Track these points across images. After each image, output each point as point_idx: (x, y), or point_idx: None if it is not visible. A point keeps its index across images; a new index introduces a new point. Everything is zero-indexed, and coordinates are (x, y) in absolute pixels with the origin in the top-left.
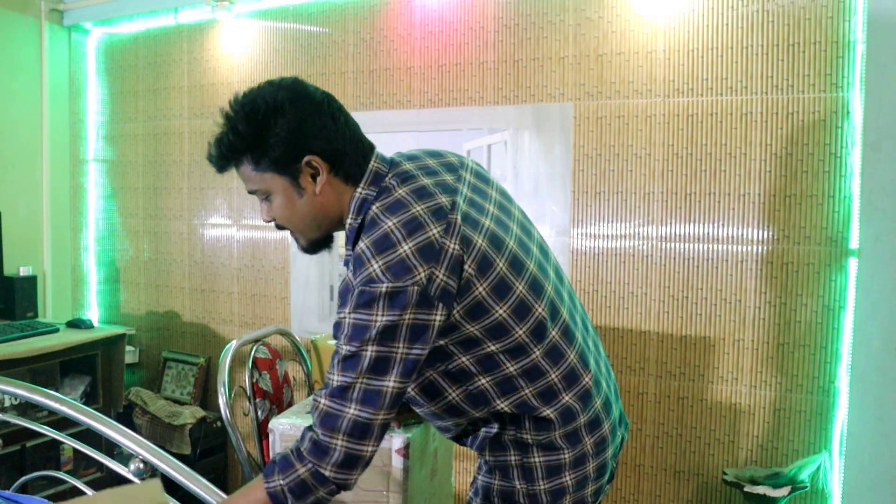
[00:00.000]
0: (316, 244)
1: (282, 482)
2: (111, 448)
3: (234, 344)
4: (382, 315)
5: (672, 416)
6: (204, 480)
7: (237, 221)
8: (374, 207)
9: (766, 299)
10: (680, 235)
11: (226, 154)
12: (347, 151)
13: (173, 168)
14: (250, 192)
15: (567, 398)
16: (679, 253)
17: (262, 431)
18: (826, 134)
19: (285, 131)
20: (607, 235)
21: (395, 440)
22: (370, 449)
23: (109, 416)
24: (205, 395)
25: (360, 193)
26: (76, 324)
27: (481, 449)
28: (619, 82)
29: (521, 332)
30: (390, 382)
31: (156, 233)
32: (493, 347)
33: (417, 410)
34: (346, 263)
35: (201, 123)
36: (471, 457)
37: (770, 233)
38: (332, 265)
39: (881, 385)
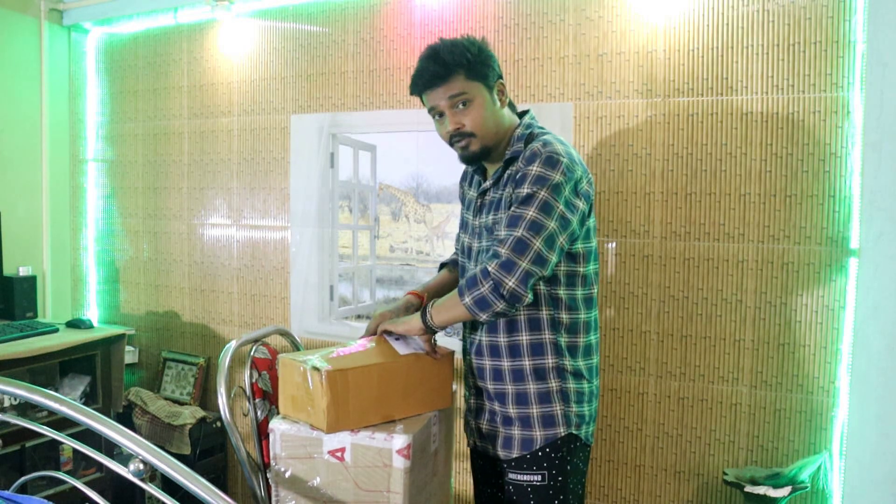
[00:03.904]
0: (483, 152)
1: (464, 281)
2: (111, 448)
3: (233, 344)
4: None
5: (672, 416)
6: (204, 480)
7: (237, 221)
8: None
9: (766, 299)
10: (680, 235)
11: (449, 62)
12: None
13: (173, 168)
14: (451, 98)
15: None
16: (679, 253)
17: (262, 431)
18: (826, 134)
19: (492, 58)
20: (608, 235)
21: (396, 440)
22: (525, 265)
23: (109, 416)
24: (204, 396)
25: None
26: (76, 324)
27: None
28: (619, 82)
29: None
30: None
31: (155, 233)
32: None
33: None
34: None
35: (201, 123)
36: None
37: (770, 233)
38: (331, 265)
39: (882, 385)
